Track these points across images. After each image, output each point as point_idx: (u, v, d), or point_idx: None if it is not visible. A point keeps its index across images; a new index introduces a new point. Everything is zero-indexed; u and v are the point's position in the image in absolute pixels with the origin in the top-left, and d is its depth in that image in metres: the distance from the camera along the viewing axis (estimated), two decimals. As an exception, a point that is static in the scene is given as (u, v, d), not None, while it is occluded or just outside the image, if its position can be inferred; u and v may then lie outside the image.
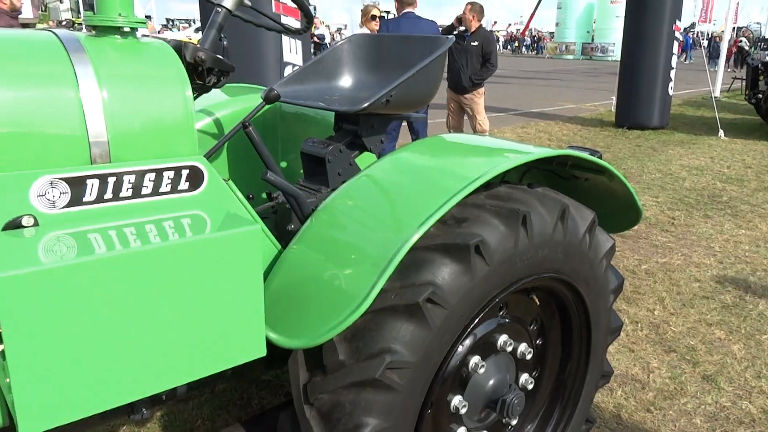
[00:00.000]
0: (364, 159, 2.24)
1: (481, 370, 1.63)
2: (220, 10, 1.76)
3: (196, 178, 1.39)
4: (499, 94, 14.39)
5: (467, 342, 1.61)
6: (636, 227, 4.90)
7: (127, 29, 1.38)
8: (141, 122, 1.33)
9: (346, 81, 2.32)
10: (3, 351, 1.04)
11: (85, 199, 1.25)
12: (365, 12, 6.39)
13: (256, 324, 1.31)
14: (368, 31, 6.32)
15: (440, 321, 1.38)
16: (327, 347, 1.37)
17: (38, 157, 1.20)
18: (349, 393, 1.35)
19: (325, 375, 1.38)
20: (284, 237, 1.64)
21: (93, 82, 1.26)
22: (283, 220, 2.03)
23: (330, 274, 1.42)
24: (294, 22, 4.38)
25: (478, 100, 6.57)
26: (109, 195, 1.28)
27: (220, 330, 1.26)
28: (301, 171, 2.16)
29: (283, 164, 2.39)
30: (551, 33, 47.16)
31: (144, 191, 1.32)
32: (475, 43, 6.34)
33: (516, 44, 46.93)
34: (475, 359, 1.62)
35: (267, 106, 2.03)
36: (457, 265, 1.39)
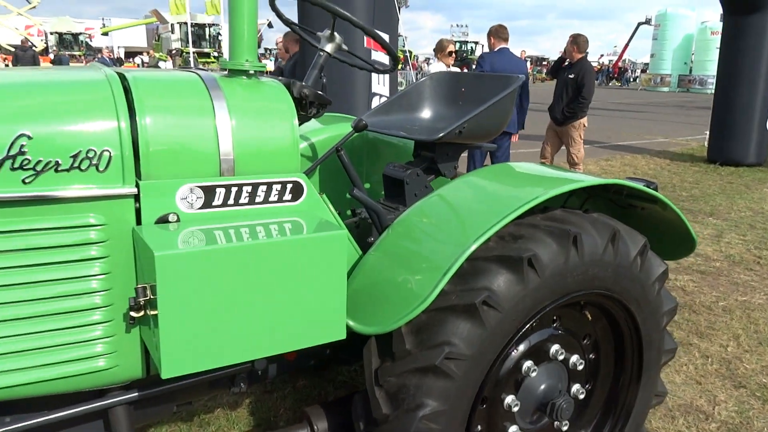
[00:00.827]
0: (439, 183, 2.51)
1: (534, 374, 1.82)
2: (322, 54, 2.12)
3: (297, 191, 1.72)
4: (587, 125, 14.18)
5: (521, 347, 1.81)
6: (717, 264, 4.81)
7: (251, 72, 1.75)
8: (259, 144, 1.68)
9: (426, 113, 2.61)
10: (154, 316, 1.38)
11: (213, 203, 1.60)
12: (441, 48, 6.63)
13: (339, 311, 1.61)
14: (444, 66, 6.57)
15: (494, 322, 1.60)
16: (396, 337, 1.63)
17: (183, 169, 1.57)
18: (413, 377, 1.59)
19: (394, 361, 1.64)
20: (364, 247, 1.93)
21: (225, 113, 1.62)
22: (364, 232, 2.33)
23: (401, 277, 1.69)
24: (383, 58, 4.76)
25: (574, 133, 6.55)
26: (231, 201, 1.62)
27: (311, 312, 1.56)
28: (383, 192, 2.46)
29: (367, 185, 2.70)
30: (645, 64, 45.62)
31: (257, 199, 1.66)
32: (572, 75, 6.38)
33: (607, 76, 45.74)
34: (528, 363, 1.81)
35: (356, 134, 2.36)
36: (512, 275, 1.61)
